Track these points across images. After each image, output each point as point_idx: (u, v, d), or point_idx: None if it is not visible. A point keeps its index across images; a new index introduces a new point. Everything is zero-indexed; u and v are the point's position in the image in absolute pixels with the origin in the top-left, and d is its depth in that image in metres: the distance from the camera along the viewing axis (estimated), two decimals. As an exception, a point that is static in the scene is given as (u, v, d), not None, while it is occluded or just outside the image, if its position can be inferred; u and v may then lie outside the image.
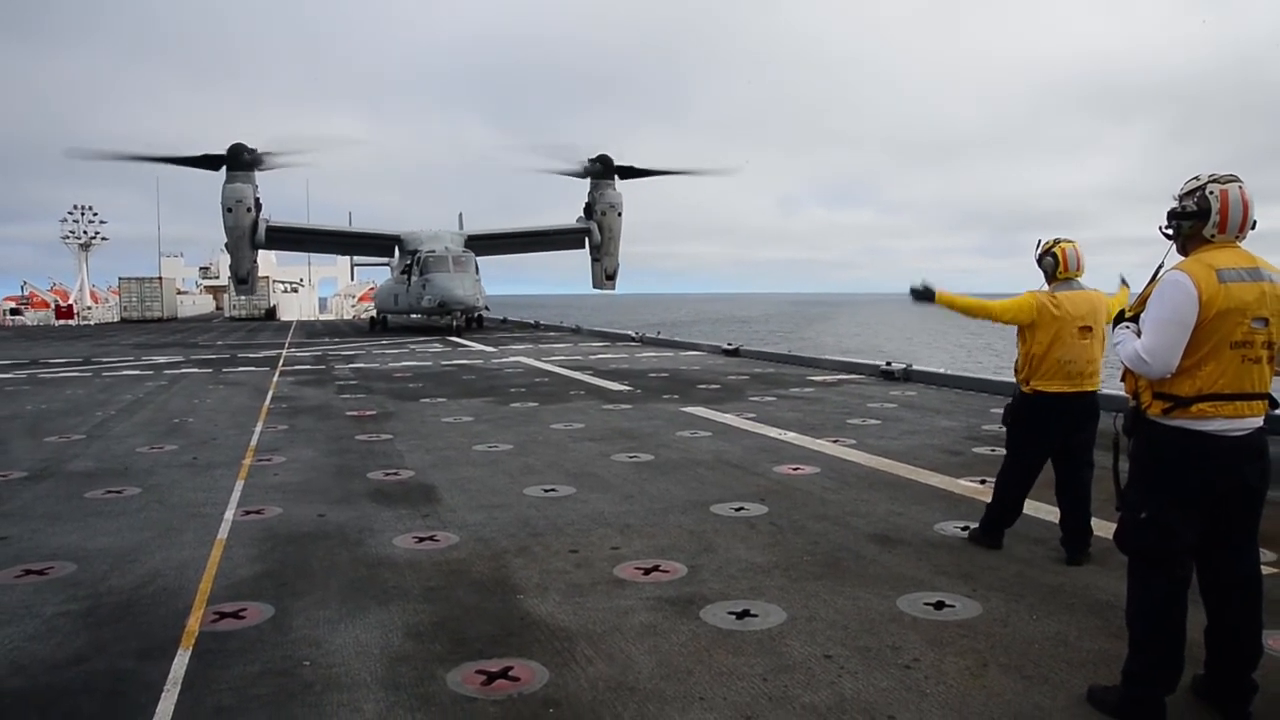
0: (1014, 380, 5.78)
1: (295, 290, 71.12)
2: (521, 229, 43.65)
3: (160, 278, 63.05)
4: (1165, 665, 3.44)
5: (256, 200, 35.43)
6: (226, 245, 36.55)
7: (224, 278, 71.22)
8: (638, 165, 40.23)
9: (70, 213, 67.33)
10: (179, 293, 69.20)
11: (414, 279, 36.97)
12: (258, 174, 35.47)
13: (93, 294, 66.75)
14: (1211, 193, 3.45)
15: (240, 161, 34.62)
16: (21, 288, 64.28)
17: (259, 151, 34.96)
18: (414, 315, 39.40)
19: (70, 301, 61.70)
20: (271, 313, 62.93)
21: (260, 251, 38.88)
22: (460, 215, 48.54)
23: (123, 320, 57.29)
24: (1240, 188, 3.45)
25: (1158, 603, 3.47)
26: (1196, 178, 3.54)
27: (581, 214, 40.96)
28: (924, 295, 5.72)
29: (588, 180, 40.10)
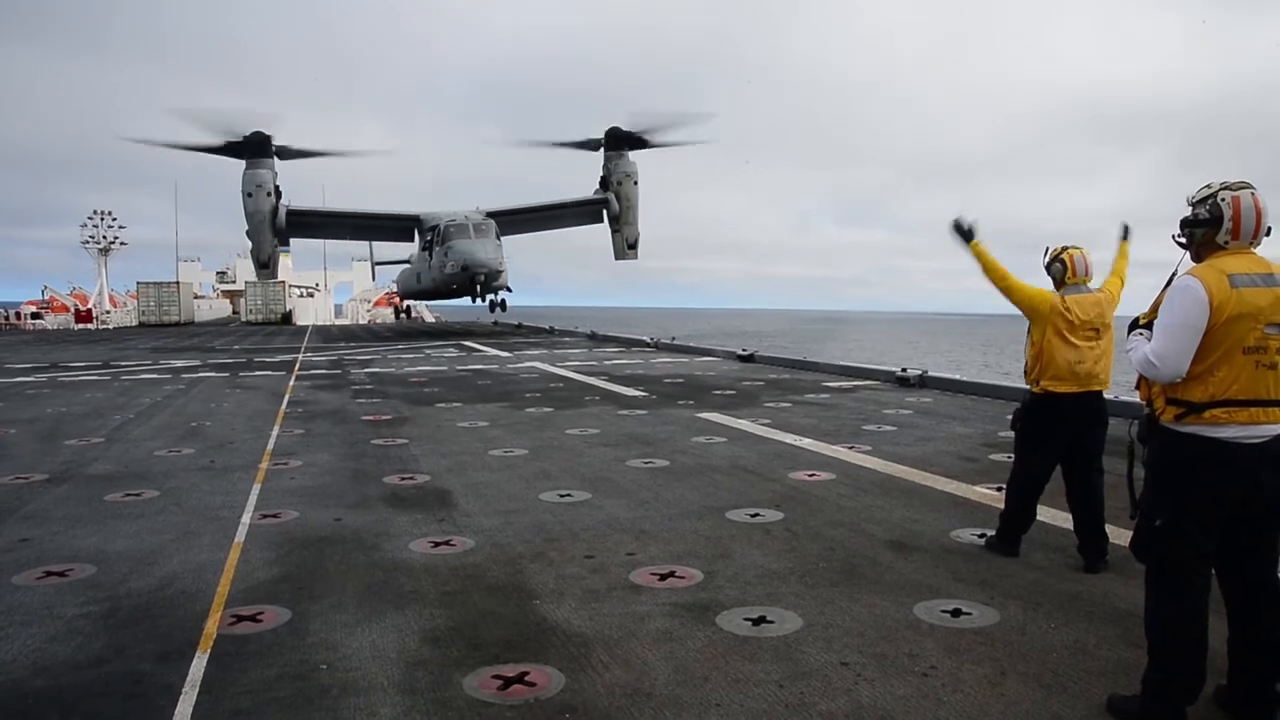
0: (1027, 386, 5.80)
1: (311, 295, 71.63)
2: (541, 203, 43.47)
3: (178, 282, 63.67)
4: (1186, 675, 3.42)
5: (276, 188, 35.80)
6: (247, 231, 36.80)
7: (240, 282, 71.80)
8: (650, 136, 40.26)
9: (90, 218, 68.09)
10: (196, 297, 69.86)
11: (435, 250, 37.06)
12: (278, 163, 35.93)
13: (111, 298, 67.44)
14: (1223, 200, 3.45)
15: (261, 148, 35.07)
16: (42, 292, 65.04)
17: (277, 143, 35.43)
18: (430, 322, 39.53)
19: (89, 305, 62.33)
20: (287, 317, 63.39)
21: (279, 257, 39.06)
22: (477, 208, 48.67)
23: (141, 324, 57.83)
24: (1253, 194, 3.44)
25: (1175, 611, 3.45)
26: (1209, 185, 3.54)
27: (598, 187, 40.95)
28: (964, 234, 5.68)
29: (601, 155, 40.11)
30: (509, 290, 41.53)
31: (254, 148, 35.07)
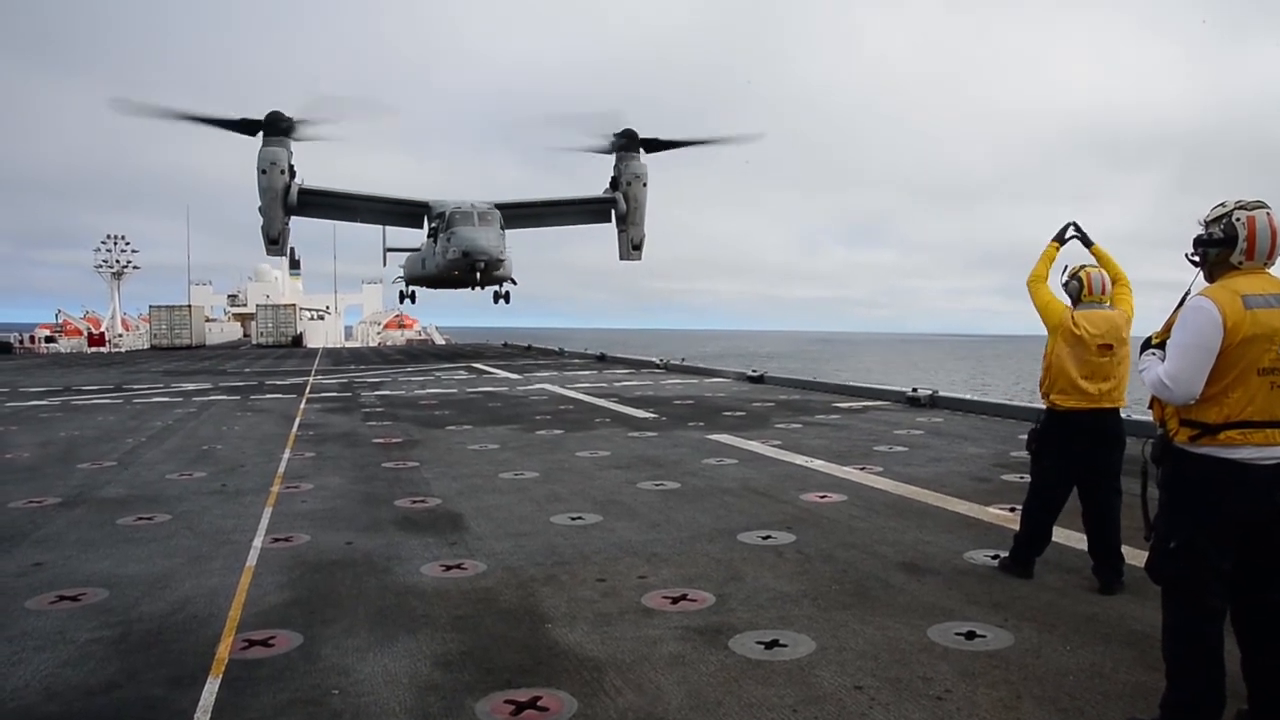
0: (1041, 406, 5.81)
1: (321, 318, 71.89)
2: (549, 198, 43.48)
3: (189, 306, 64.00)
4: (1204, 698, 3.38)
5: (291, 167, 36.10)
6: (260, 208, 36.88)
7: (252, 305, 72.07)
8: (662, 137, 40.33)
9: (104, 242, 68.51)
10: (207, 320, 70.18)
11: (440, 236, 37.53)
12: (293, 143, 36.22)
13: (124, 322, 67.74)
14: (1238, 219, 3.43)
15: (277, 128, 35.44)
16: (56, 315, 65.47)
17: (295, 120, 35.67)
18: (441, 344, 39.71)
19: (102, 329, 62.67)
20: (298, 340, 63.64)
21: (289, 234, 38.95)
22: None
23: (153, 347, 58.12)
24: (1268, 214, 3.42)
25: (1192, 633, 3.42)
26: (1223, 204, 3.51)
27: (607, 187, 41.08)
28: (1060, 234, 5.88)
29: (613, 156, 40.28)
30: (513, 282, 41.85)
31: (271, 126, 35.44)
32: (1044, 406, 5.74)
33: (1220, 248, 3.47)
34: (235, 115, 35.47)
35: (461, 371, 28.29)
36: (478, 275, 38.10)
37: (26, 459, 10.96)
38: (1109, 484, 5.54)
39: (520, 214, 41.93)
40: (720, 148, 41.44)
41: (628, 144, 39.78)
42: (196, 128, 35.76)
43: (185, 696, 4.02)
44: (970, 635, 4.62)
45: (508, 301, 42.61)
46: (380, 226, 47.57)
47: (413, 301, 45.20)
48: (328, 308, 75.65)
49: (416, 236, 44.88)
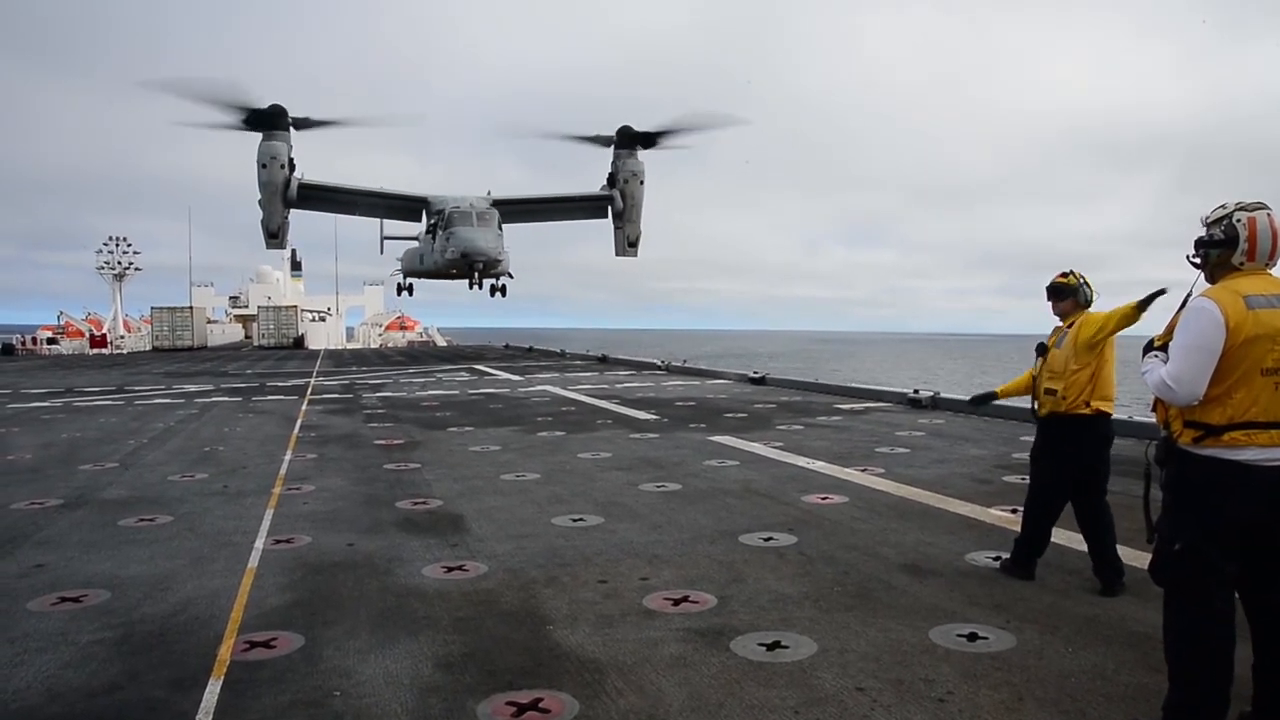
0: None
1: (323, 319, 71.95)
2: (546, 195, 43.61)
3: (191, 307, 64.08)
4: (1207, 701, 3.37)
5: (291, 160, 36.20)
6: (260, 201, 36.94)
7: (253, 307, 72.10)
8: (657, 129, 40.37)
9: (105, 244, 68.57)
10: (209, 322, 70.26)
11: (439, 234, 37.89)
12: (294, 135, 36.29)
13: (126, 323, 67.82)
14: (1239, 220, 3.42)
15: (279, 122, 35.52)
16: (58, 317, 65.53)
17: (294, 116, 35.75)
18: (442, 345, 39.83)
19: (104, 330, 62.75)
20: (300, 341, 63.67)
21: (288, 228, 39.00)
22: (489, 192, 48.86)
23: (154, 349, 58.19)
24: (1269, 215, 3.42)
25: (1195, 635, 3.41)
26: (1224, 205, 3.51)
27: (605, 184, 41.12)
28: (985, 398, 5.99)
29: (610, 151, 40.35)
30: (510, 276, 42.20)
31: (270, 120, 35.52)
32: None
33: (1221, 249, 3.47)
34: (234, 117, 35.36)
35: (463, 373, 28.31)
36: (475, 274, 38.55)
37: (28, 460, 10.97)
38: (1101, 485, 5.55)
39: (518, 210, 42.09)
40: (721, 147, 41.56)
41: (625, 141, 39.89)
42: (196, 127, 35.69)
43: (187, 698, 4.02)
44: (972, 637, 4.61)
45: (504, 295, 43.08)
46: (378, 220, 48.06)
47: (410, 294, 45.73)
48: (329, 309, 75.71)
49: (415, 226, 45.14)
